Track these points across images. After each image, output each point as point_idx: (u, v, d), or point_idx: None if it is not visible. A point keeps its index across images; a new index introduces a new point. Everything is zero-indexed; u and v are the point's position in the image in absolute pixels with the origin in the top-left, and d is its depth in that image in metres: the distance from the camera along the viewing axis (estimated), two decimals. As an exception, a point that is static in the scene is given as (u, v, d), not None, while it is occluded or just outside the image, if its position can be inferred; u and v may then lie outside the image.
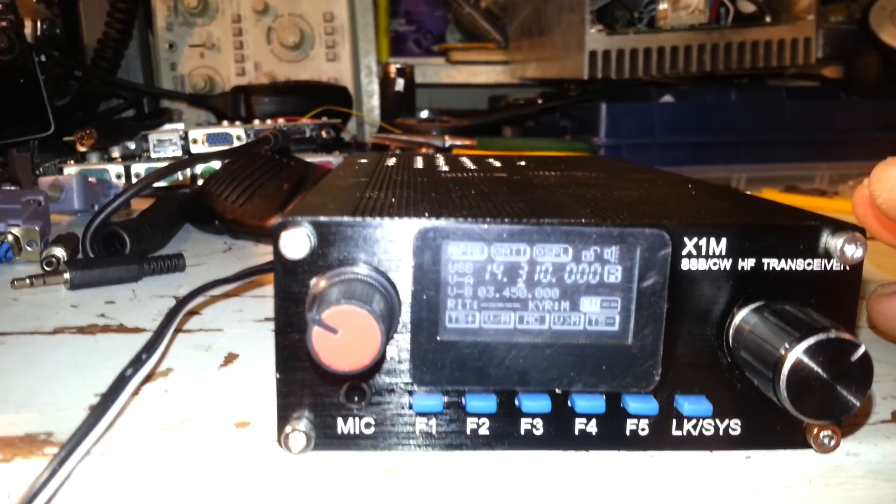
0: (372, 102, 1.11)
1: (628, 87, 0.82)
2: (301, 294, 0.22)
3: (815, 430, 0.23)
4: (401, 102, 0.97)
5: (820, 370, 0.19)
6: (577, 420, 0.23)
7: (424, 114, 1.03)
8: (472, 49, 1.18)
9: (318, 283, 0.21)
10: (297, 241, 0.21)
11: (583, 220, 0.22)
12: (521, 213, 0.23)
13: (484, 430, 0.23)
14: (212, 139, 0.73)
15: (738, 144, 0.79)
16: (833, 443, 0.23)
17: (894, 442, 0.24)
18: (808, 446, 0.24)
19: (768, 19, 0.78)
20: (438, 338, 0.23)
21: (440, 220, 0.22)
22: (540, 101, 0.91)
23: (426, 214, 0.22)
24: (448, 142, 0.76)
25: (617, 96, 0.81)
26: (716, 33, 0.76)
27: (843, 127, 0.80)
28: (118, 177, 0.70)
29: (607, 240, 0.22)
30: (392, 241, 0.22)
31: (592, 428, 0.23)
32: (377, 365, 0.22)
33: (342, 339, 0.20)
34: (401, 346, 0.23)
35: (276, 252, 0.22)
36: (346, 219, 0.22)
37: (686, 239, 0.22)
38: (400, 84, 0.96)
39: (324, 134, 0.78)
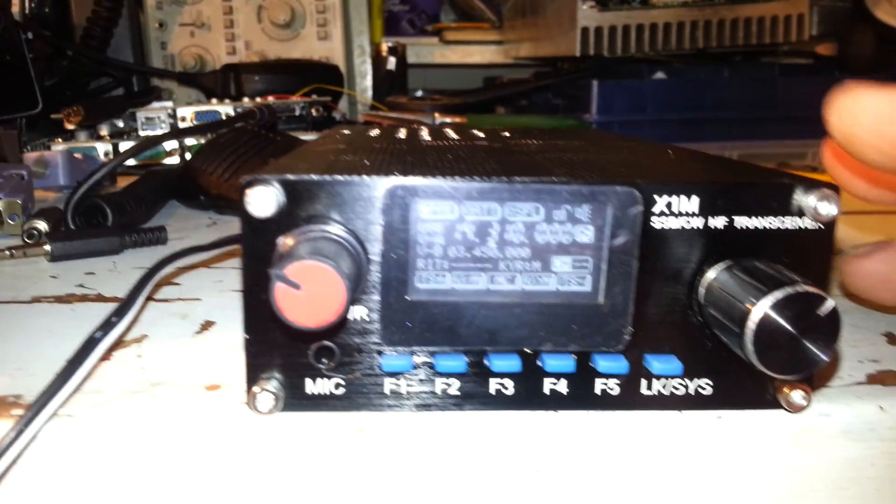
0: (365, 82, 1.10)
1: (621, 64, 0.81)
2: (269, 254, 0.22)
3: (787, 390, 0.23)
4: (392, 81, 0.97)
5: (787, 324, 0.19)
6: (548, 380, 0.23)
7: (419, 94, 1.03)
8: (466, 29, 1.17)
9: (284, 241, 0.21)
10: (263, 199, 0.21)
11: (553, 179, 0.22)
12: (493, 172, 0.23)
13: (454, 391, 0.23)
14: (200, 117, 0.72)
15: (731, 121, 0.79)
16: (805, 402, 0.23)
17: (867, 402, 0.24)
18: (780, 406, 0.23)
19: (762, -5, 0.78)
20: (408, 297, 0.22)
21: (409, 178, 0.22)
22: (526, 78, 0.90)
23: (396, 173, 0.22)
24: (438, 119, 0.75)
25: (609, 73, 0.81)
26: (709, 9, 0.76)
27: (836, 104, 0.79)
28: (106, 154, 0.70)
29: (578, 198, 0.22)
30: (361, 200, 0.22)
31: (563, 388, 0.23)
32: (342, 322, 0.22)
33: (306, 295, 0.19)
34: (370, 306, 0.23)
35: (243, 210, 0.21)
36: (313, 177, 0.22)
37: (657, 197, 0.22)
38: (392, 63, 0.95)
39: (314, 112, 0.77)
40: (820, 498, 0.25)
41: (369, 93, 1.07)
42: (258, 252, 0.22)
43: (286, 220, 0.22)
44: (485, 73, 1.19)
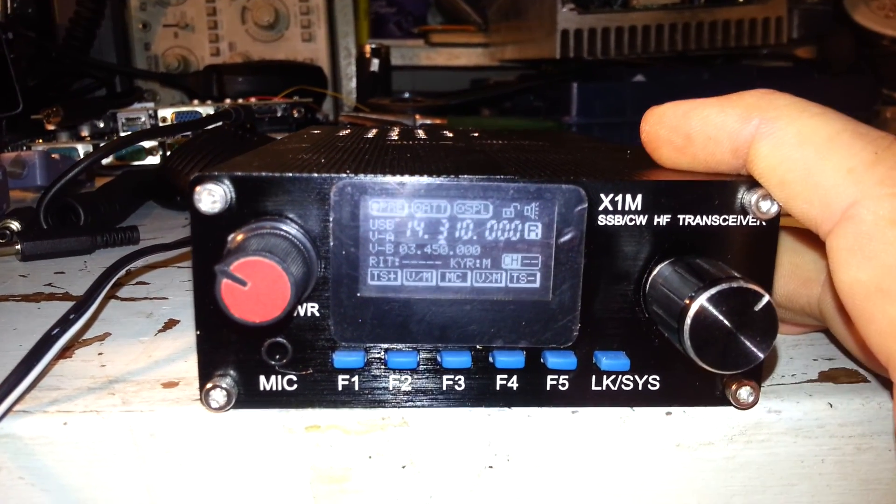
0: (351, 84, 1.10)
1: (601, 66, 0.81)
2: (219, 250, 0.22)
3: (734, 386, 0.23)
4: (376, 83, 0.97)
5: (723, 319, 0.19)
6: (499, 376, 0.23)
7: (406, 96, 1.03)
8: (452, 31, 1.17)
9: (234, 237, 0.21)
10: (211, 196, 0.21)
11: (501, 177, 0.22)
12: (445, 171, 0.23)
13: (406, 387, 0.23)
14: (181, 118, 0.72)
15: (710, 124, 0.79)
16: (752, 399, 0.23)
17: (816, 399, 0.25)
18: (728, 403, 0.24)
19: (741, -1, 0.78)
20: (359, 294, 0.23)
21: (359, 176, 0.22)
22: (509, 80, 0.91)
23: (347, 171, 0.22)
24: (419, 121, 0.75)
25: (589, 76, 0.81)
26: (687, 13, 0.76)
27: (815, 107, 0.79)
28: (87, 155, 0.70)
29: (525, 196, 0.22)
30: (311, 197, 0.22)
31: (513, 383, 0.23)
32: (292, 318, 0.22)
33: (251, 291, 0.20)
34: (322, 303, 0.23)
35: (192, 207, 0.21)
36: (263, 174, 0.22)
37: (602, 195, 0.22)
38: (375, 64, 0.96)
39: (295, 113, 0.77)
40: (770, 494, 0.25)
41: (355, 95, 1.07)
42: (208, 249, 0.22)
43: (236, 217, 0.22)
44: (471, 75, 1.19)
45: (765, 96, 0.21)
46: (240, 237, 0.21)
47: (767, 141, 0.21)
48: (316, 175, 0.22)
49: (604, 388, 0.23)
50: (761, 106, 0.21)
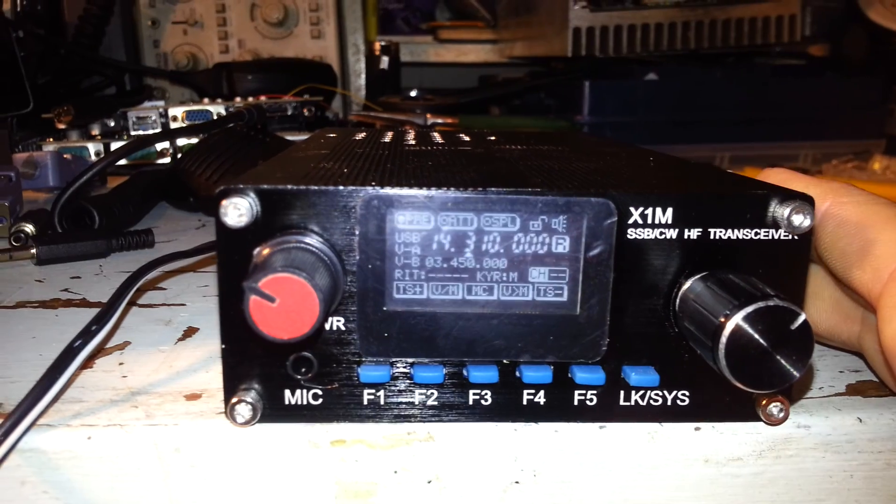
0: (360, 81, 1.10)
1: (613, 64, 0.81)
2: (245, 263, 0.22)
3: (764, 402, 0.23)
4: (386, 80, 0.96)
5: (759, 338, 0.19)
6: (526, 391, 0.23)
7: (414, 93, 1.02)
8: (461, 27, 1.17)
9: (260, 251, 0.21)
10: (238, 209, 0.21)
11: (528, 189, 0.22)
12: (470, 183, 0.23)
13: (432, 401, 0.23)
14: (191, 116, 0.72)
15: (723, 123, 0.79)
16: (782, 414, 0.23)
17: (845, 414, 0.24)
18: (758, 418, 0.23)
19: (754, -4, 0.78)
20: (385, 308, 0.22)
21: (385, 189, 0.22)
22: (519, 78, 0.90)
23: (373, 183, 0.22)
24: (430, 120, 0.75)
25: (601, 74, 0.80)
26: (700, 10, 0.76)
27: (828, 105, 0.79)
28: (97, 154, 0.70)
29: (553, 209, 0.22)
30: (337, 210, 0.22)
31: (541, 399, 0.23)
32: (319, 333, 0.22)
33: (280, 308, 0.19)
34: (348, 317, 0.23)
35: (218, 220, 0.21)
36: (289, 187, 0.22)
37: (632, 208, 0.22)
38: (385, 62, 0.95)
39: (305, 112, 0.77)
40: (798, 508, 0.25)
41: (363, 92, 1.07)
42: (234, 262, 0.22)
43: (261, 230, 0.22)
44: (480, 71, 1.18)
45: (843, 186, 0.24)
46: (266, 251, 0.21)
47: (834, 219, 0.23)
48: (342, 188, 0.22)
49: (632, 403, 0.23)
50: (837, 192, 0.24)
